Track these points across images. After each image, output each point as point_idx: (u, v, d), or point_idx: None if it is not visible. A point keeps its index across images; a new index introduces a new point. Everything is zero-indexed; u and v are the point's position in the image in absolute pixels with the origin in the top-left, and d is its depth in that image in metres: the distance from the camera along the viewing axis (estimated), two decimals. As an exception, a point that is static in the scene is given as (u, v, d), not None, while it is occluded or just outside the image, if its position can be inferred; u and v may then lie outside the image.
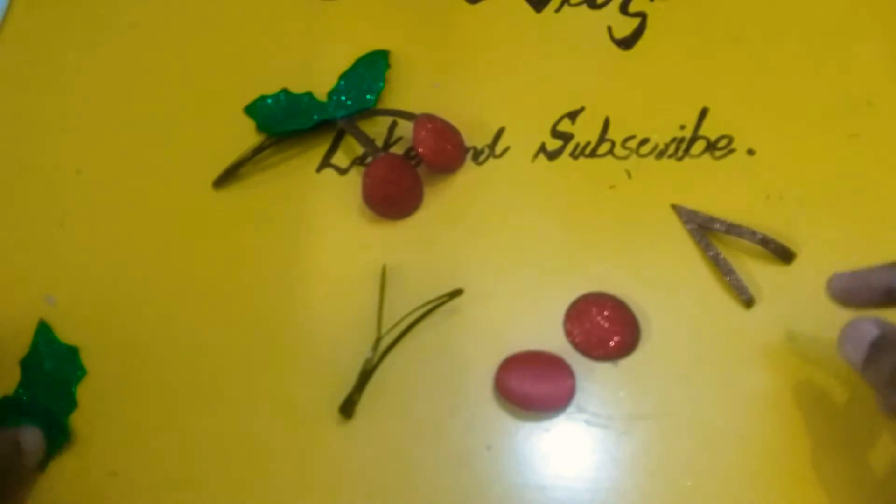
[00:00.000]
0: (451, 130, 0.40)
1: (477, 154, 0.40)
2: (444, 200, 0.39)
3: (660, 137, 0.40)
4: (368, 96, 0.41)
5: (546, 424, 0.34)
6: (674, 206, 0.37)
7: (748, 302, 0.35)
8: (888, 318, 0.29)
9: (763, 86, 0.40)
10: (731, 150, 0.39)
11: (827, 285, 0.31)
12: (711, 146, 0.39)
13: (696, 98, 0.40)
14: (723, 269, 0.35)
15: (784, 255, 0.36)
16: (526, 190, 0.39)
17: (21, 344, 0.38)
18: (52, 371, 0.36)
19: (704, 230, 0.36)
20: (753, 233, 0.36)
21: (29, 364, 0.37)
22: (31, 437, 0.32)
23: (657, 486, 0.33)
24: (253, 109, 0.42)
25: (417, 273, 0.37)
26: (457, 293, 0.36)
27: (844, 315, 0.30)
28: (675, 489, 0.32)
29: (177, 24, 0.46)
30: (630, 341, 0.35)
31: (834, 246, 0.36)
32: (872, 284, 0.29)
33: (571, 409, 0.34)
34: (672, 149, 0.39)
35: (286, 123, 0.41)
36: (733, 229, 0.36)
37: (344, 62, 0.42)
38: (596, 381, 0.35)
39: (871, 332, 0.29)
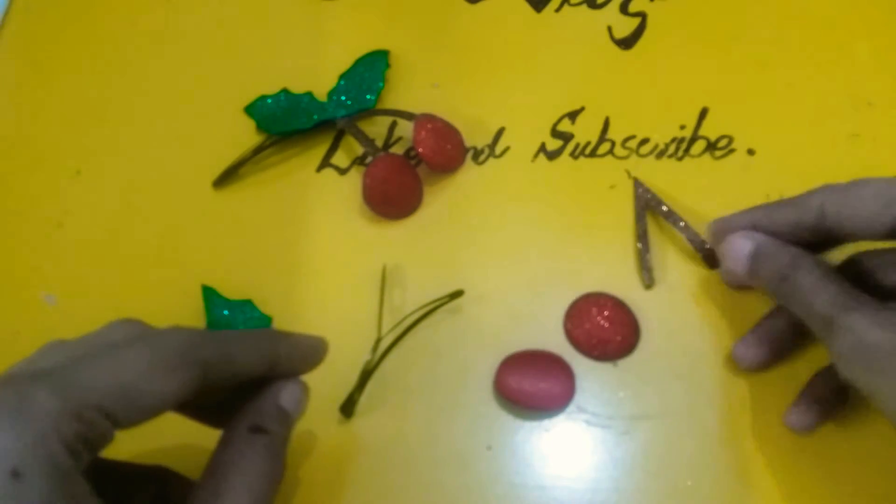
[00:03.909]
0: (451, 130, 0.40)
1: (477, 154, 0.40)
2: (444, 200, 0.39)
3: (660, 137, 0.40)
4: (368, 96, 0.41)
5: (546, 424, 0.34)
6: (633, 178, 0.38)
7: (648, 284, 0.36)
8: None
9: (763, 86, 0.40)
10: (731, 150, 0.39)
11: (706, 230, 0.34)
12: (711, 146, 0.39)
13: (696, 98, 0.40)
14: (641, 244, 0.36)
15: (710, 260, 0.36)
16: (526, 190, 0.39)
17: (20, 344, 0.38)
18: None
19: (648, 208, 0.37)
20: (688, 228, 0.36)
21: None
22: (291, 395, 0.25)
23: (657, 486, 0.33)
24: (253, 109, 0.42)
25: (417, 273, 0.37)
26: (457, 294, 0.36)
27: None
28: (675, 489, 0.32)
29: (177, 23, 0.46)
30: (630, 341, 0.35)
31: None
32: (736, 224, 0.32)
33: (571, 409, 0.34)
34: (672, 149, 0.39)
35: (286, 123, 0.41)
36: (671, 217, 0.37)
37: (344, 62, 0.42)
38: (596, 381, 0.35)
39: (746, 246, 0.31)
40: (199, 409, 0.25)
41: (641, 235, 0.37)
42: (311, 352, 0.26)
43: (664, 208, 0.37)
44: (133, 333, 0.22)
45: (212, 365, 0.21)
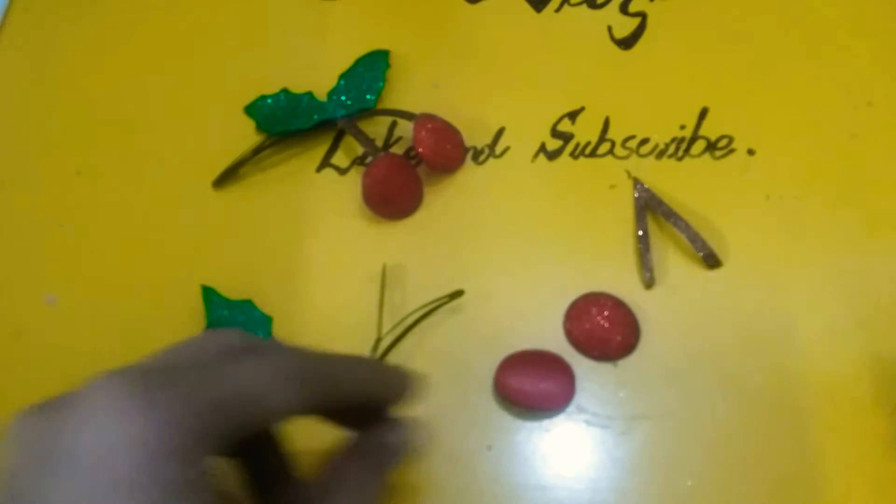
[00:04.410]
0: (451, 130, 0.40)
1: (477, 154, 0.40)
2: (444, 200, 0.39)
3: (660, 137, 0.40)
4: (368, 96, 0.41)
5: (546, 424, 0.34)
6: (633, 178, 0.38)
7: (648, 284, 0.36)
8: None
9: (763, 86, 0.40)
10: (731, 150, 0.39)
11: None
12: (711, 146, 0.39)
13: (696, 98, 0.40)
14: (641, 244, 0.36)
15: (710, 260, 0.36)
16: (526, 190, 0.39)
17: (21, 344, 0.38)
18: None
19: (648, 208, 0.37)
20: (688, 228, 0.36)
21: None
22: (412, 436, 0.27)
23: (657, 486, 0.33)
24: (253, 109, 0.42)
25: (417, 273, 0.37)
26: (457, 294, 0.36)
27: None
28: (675, 489, 0.32)
29: (177, 23, 0.46)
30: (630, 341, 0.35)
31: (834, 246, 0.36)
32: None
33: (571, 409, 0.34)
34: (672, 149, 0.39)
35: (286, 123, 0.41)
36: (671, 217, 0.36)
37: (344, 62, 0.42)
38: (596, 381, 0.35)
39: None
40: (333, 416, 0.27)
41: (641, 235, 0.37)
42: (404, 383, 0.27)
43: (664, 208, 0.37)
44: (249, 344, 0.23)
45: (322, 388, 0.23)
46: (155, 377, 0.19)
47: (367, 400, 0.25)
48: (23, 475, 0.18)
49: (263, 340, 0.24)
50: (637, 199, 0.38)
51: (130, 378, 0.19)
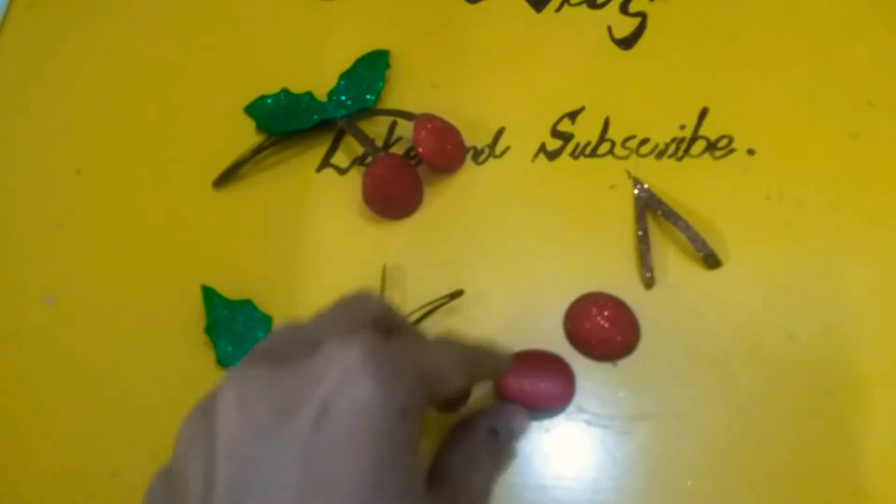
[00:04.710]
0: (451, 130, 0.40)
1: (477, 154, 0.40)
2: (444, 200, 0.39)
3: (660, 137, 0.40)
4: (368, 96, 0.41)
5: (546, 424, 0.34)
6: (633, 178, 0.38)
7: (648, 284, 0.36)
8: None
9: (763, 86, 0.40)
10: (731, 150, 0.39)
11: None
12: (711, 146, 0.39)
13: (696, 98, 0.40)
14: (641, 245, 0.36)
15: (711, 260, 0.36)
16: (526, 190, 0.39)
17: (21, 344, 0.38)
18: None
19: (648, 208, 0.37)
20: (688, 228, 0.36)
21: None
22: (521, 421, 0.30)
23: (657, 486, 0.33)
24: (253, 109, 0.42)
25: (417, 273, 0.37)
26: (457, 294, 0.36)
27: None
28: (675, 489, 0.32)
29: (177, 23, 0.46)
30: (630, 341, 0.35)
31: (834, 246, 0.36)
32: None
33: (571, 409, 0.34)
34: (672, 149, 0.39)
35: (286, 123, 0.41)
36: (671, 217, 0.36)
37: (344, 62, 0.42)
38: (596, 381, 0.35)
39: None
40: None
41: (641, 235, 0.37)
42: (508, 365, 0.30)
43: (664, 208, 0.37)
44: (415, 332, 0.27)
45: (475, 374, 0.27)
46: (388, 349, 0.22)
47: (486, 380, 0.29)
48: (257, 426, 0.20)
49: (397, 314, 0.27)
50: (637, 199, 0.38)
51: (371, 346, 0.21)
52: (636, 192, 0.38)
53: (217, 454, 0.20)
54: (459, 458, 0.27)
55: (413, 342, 0.25)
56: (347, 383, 0.20)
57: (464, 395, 0.30)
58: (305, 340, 0.22)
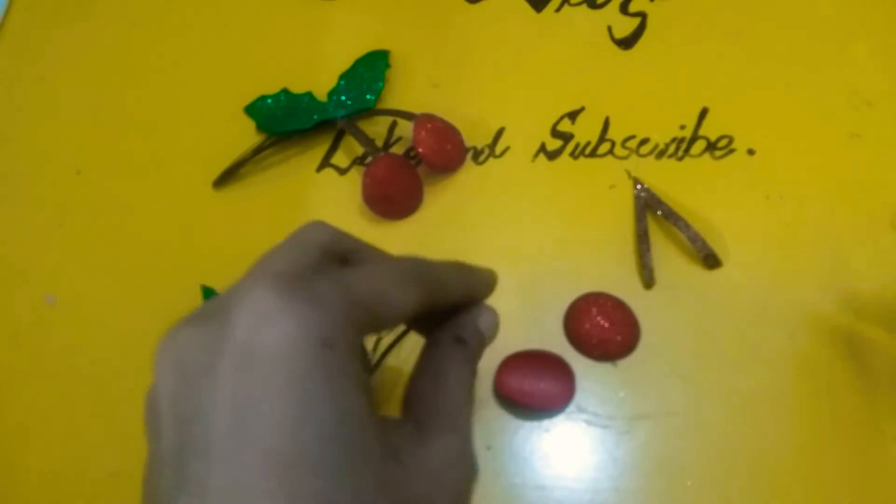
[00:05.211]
0: (451, 130, 0.40)
1: (477, 154, 0.40)
2: (444, 200, 0.39)
3: (660, 137, 0.40)
4: (368, 96, 0.41)
5: (546, 424, 0.34)
6: (632, 178, 0.38)
7: (648, 284, 0.36)
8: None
9: (763, 86, 0.40)
10: (731, 150, 0.39)
11: None
12: (711, 146, 0.39)
13: (696, 98, 0.40)
14: (641, 245, 0.36)
15: (710, 260, 0.36)
16: (526, 190, 0.39)
17: (21, 344, 0.38)
18: None
19: (648, 208, 0.37)
20: (688, 227, 0.36)
21: None
22: (487, 319, 0.27)
23: (657, 486, 0.33)
24: (253, 109, 0.42)
25: (417, 273, 0.37)
26: (457, 293, 0.36)
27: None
28: (675, 489, 0.32)
29: (177, 24, 0.46)
30: (630, 341, 0.35)
31: (834, 246, 0.36)
32: None
33: (571, 409, 0.34)
34: (672, 149, 0.39)
35: (286, 123, 0.41)
36: (671, 217, 0.36)
37: (344, 62, 0.42)
38: (596, 381, 0.35)
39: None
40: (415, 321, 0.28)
41: (641, 235, 0.37)
42: (489, 282, 0.29)
43: (664, 208, 0.37)
44: (363, 248, 0.26)
45: (433, 288, 0.25)
46: (303, 280, 0.21)
47: (462, 299, 0.27)
48: (189, 383, 0.20)
49: (356, 241, 0.26)
50: (637, 199, 0.38)
51: (281, 281, 0.20)
52: (636, 191, 0.38)
53: (162, 419, 0.20)
54: (428, 379, 0.25)
55: (366, 268, 0.24)
56: (262, 324, 0.19)
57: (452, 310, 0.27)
58: (232, 289, 0.22)
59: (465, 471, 0.23)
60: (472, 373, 0.26)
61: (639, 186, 0.38)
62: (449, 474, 0.23)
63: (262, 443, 0.18)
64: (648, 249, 0.36)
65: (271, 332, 0.19)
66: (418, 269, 0.25)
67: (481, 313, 0.27)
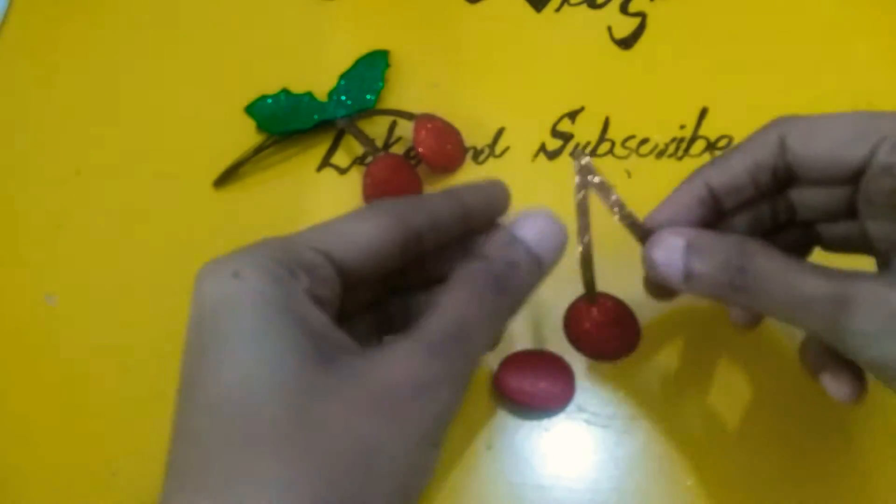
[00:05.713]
0: (451, 130, 0.40)
1: (477, 154, 0.40)
2: (444, 200, 0.39)
3: (660, 137, 0.40)
4: (368, 96, 0.41)
5: (546, 424, 0.34)
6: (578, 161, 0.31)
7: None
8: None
9: (763, 86, 0.40)
10: (731, 150, 0.39)
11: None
12: (711, 146, 0.39)
13: (696, 98, 0.40)
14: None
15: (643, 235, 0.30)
16: (526, 190, 0.39)
17: (21, 344, 0.38)
18: None
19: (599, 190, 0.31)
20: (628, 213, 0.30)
21: None
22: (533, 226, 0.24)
23: (657, 486, 0.33)
24: (253, 109, 0.42)
25: (417, 273, 0.37)
26: (457, 293, 0.36)
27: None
28: (675, 489, 0.32)
29: (177, 24, 0.46)
30: (630, 341, 0.35)
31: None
32: (677, 207, 0.29)
33: (571, 408, 0.34)
34: (672, 149, 0.39)
35: (286, 123, 0.41)
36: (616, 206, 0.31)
37: (344, 62, 0.42)
38: (596, 381, 0.35)
39: (677, 244, 0.25)
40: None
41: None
42: (498, 195, 0.27)
43: (613, 197, 0.30)
44: None
45: (409, 217, 0.23)
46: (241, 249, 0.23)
47: (467, 227, 0.25)
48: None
49: None
50: (578, 188, 0.31)
51: (223, 257, 0.22)
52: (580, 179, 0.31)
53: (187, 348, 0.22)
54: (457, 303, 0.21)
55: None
56: (212, 287, 0.22)
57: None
58: None
59: (432, 406, 0.21)
60: (493, 291, 0.22)
61: (583, 173, 0.30)
62: (398, 394, 0.20)
63: (200, 385, 0.21)
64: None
65: (214, 294, 0.22)
66: (384, 203, 0.24)
67: (519, 223, 0.24)
